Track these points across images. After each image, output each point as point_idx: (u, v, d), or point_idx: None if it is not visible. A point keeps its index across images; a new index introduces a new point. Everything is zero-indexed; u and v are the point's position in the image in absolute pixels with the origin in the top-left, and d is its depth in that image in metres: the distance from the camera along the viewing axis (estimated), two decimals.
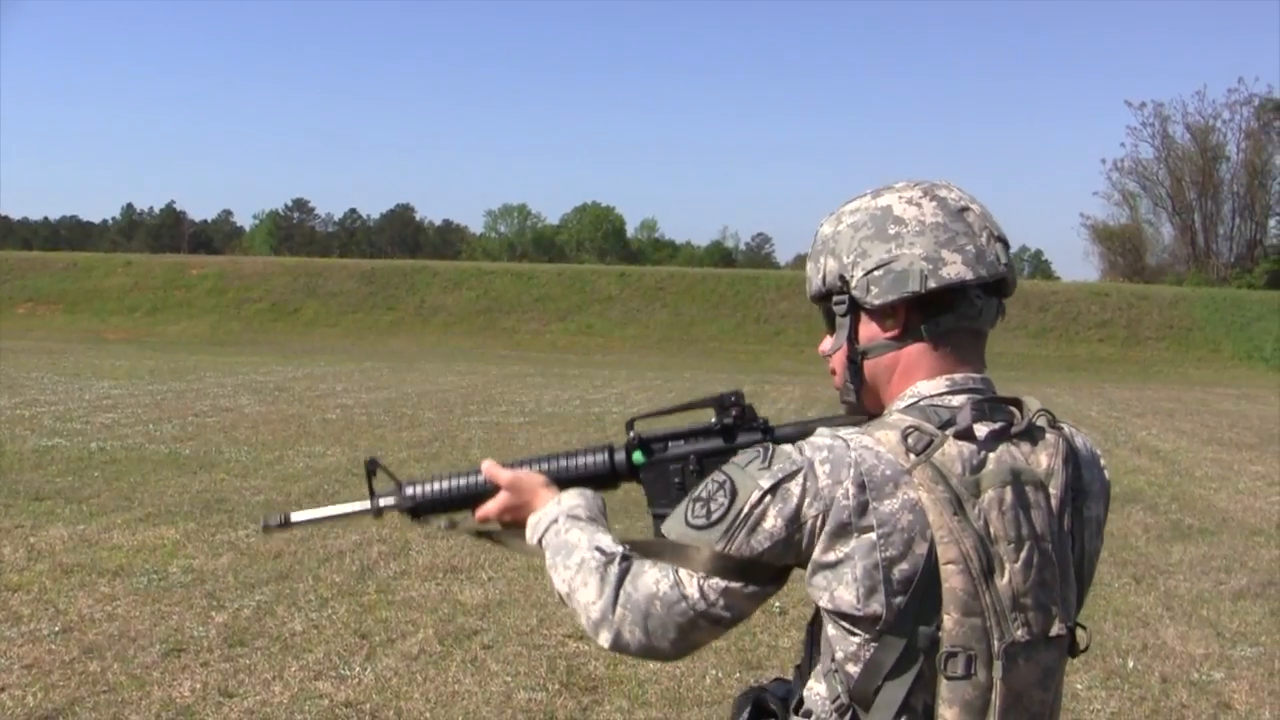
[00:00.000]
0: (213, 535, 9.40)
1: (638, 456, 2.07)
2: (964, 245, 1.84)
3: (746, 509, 1.77)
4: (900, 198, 1.89)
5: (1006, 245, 1.91)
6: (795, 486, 1.75)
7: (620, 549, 1.91)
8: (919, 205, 1.87)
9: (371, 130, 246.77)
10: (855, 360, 1.92)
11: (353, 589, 7.90)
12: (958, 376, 1.88)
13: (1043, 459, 1.83)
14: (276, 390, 22.78)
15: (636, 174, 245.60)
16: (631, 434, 2.09)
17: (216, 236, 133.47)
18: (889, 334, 1.89)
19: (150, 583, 7.85)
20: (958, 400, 1.84)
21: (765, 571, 1.79)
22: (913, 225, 1.85)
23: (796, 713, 1.88)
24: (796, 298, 45.78)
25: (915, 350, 1.89)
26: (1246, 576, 9.23)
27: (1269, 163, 71.35)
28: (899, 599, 1.72)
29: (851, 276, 1.88)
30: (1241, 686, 6.50)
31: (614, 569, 1.87)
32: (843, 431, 1.81)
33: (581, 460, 2.11)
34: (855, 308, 1.90)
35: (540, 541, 2.04)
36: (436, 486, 2.19)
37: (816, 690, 1.84)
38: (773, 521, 1.76)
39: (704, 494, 1.83)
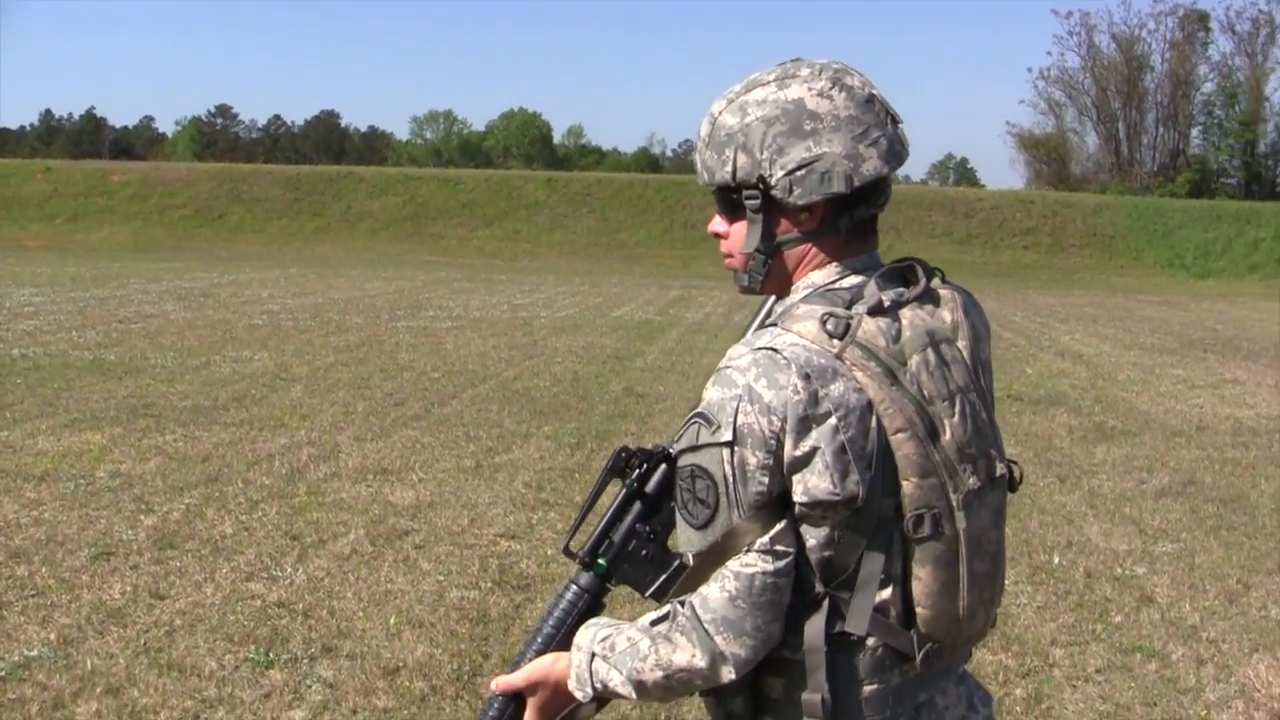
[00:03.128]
0: (139, 440, 9.31)
1: (599, 567, 2.03)
2: (878, 138, 1.87)
3: (728, 472, 1.80)
4: (810, 90, 1.88)
5: (901, 125, 1.95)
6: (748, 416, 1.78)
7: (667, 606, 1.89)
8: (830, 98, 1.87)
9: (295, 36, 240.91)
10: (768, 253, 1.94)
11: (283, 491, 7.87)
12: (847, 261, 1.92)
13: (946, 315, 1.91)
14: (201, 296, 22.58)
15: (563, 81, 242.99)
16: (579, 557, 2.04)
17: (138, 143, 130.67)
18: (804, 228, 1.91)
19: (77, 488, 7.77)
20: (847, 283, 1.90)
21: (779, 501, 1.81)
22: (828, 120, 1.86)
23: None
24: None
25: (826, 241, 1.92)
26: (1167, 476, 9.39)
27: (1193, 73, 71.89)
28: (868, 474, 1.78)
29: (770, 175, 1.87)
30: (1162, 580, 6.63)
31: (681, 619, 1.84)
32: (760, 340, 1.83)
33: (560, 611, 2.05)
34: (769, 202, 1.90)
35: (600, 685, 1.91)
36: None
37: None
38: (754, 458, 1.79)
39: (686, 496, 1.85)
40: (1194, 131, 73.47)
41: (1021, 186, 73.12)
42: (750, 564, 1.80)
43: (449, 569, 6.41)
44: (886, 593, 1.84)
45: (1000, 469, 1.91)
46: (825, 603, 1.83)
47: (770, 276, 1.96)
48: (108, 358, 13.63)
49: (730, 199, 1.95)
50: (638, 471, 2.00)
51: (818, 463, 1.77)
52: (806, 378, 1.76)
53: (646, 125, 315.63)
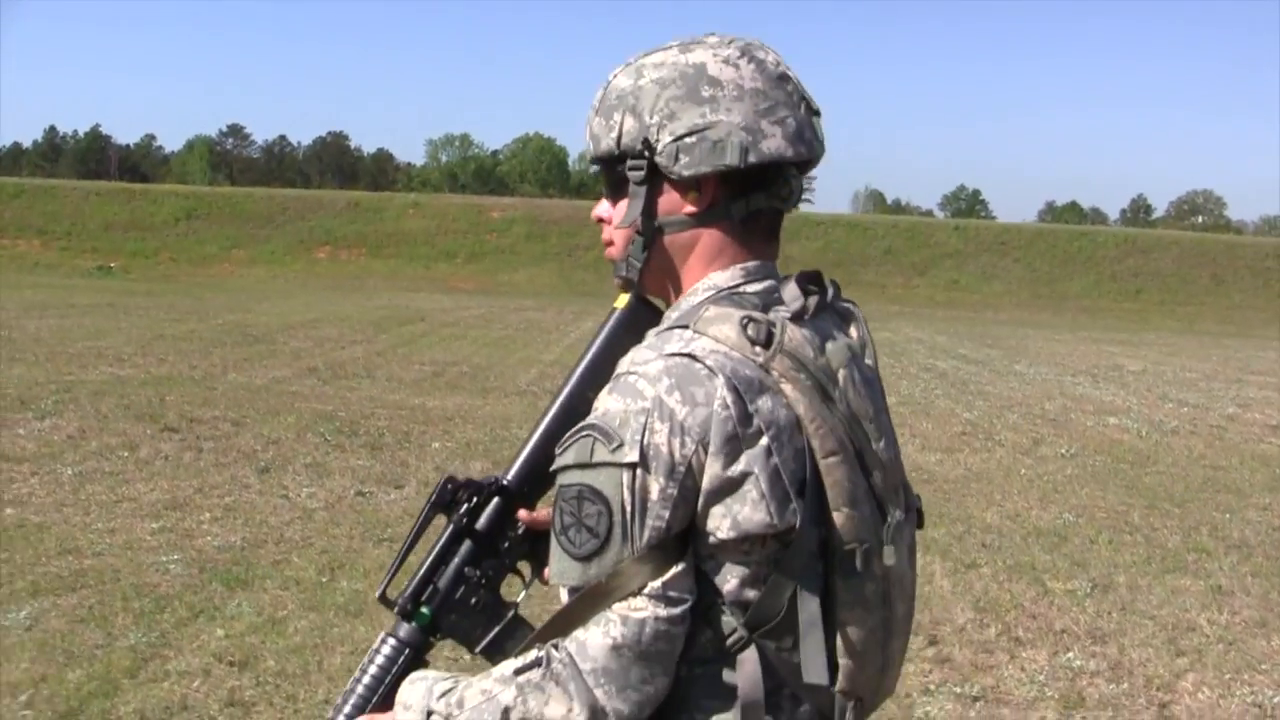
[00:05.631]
0: None
1: (421, 617, 1.78)
2: (784, 118, 1.66)
3: (625, 498, 1.54)
4: (715, 56, 1.67)
5: (819, 117, 1.74)
6: (656, 435, 1.53)
7: (532, 651, 1.60)
8: (737, 66, 1.66)
9: (302, 54, 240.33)
10: (647, 234, 1.71)
11: None
12: (751, 265, 1.71)
13: (853, 330, 1.75)
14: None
15: (575, 105, 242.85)
16: (398, 605, 1.79)
17: (143, 162, 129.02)
18: (691, 208, 1.69)
19: None
20: (754, 287, 1.69)
21: (679, 538, 1.57)
22: (730, 89, 1.65)
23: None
24: None
25: (717, 232, 1.70)
26: None
27: None
28: (801, 502, 1.56)
29: (657, 140, 1.66)
30: None
31: (556, 665, 1.56)
32: (670, 345, 1.60)
33: (376, 669, 1.79)
34: (655, 175, 1.68)
35: None
36: None
37: (699, 639, 1.60)
38: (657, 486, 1.54)
39: (568, 520, 1.58)
40: None
41: None
42: (640, 608, 1.54)
43: None
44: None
45: (913, 499, 1.77)
46: (752, 650, 1.59)
47: (650, 268, 1.73)
48: None
49: (616, 174, 1.72)
50: (467, 505, 1.77)
51: (750, 490, 1.53)
52: (735, 390, 1.53)
53: None
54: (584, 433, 1.57)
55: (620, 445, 1.53)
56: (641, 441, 1.53)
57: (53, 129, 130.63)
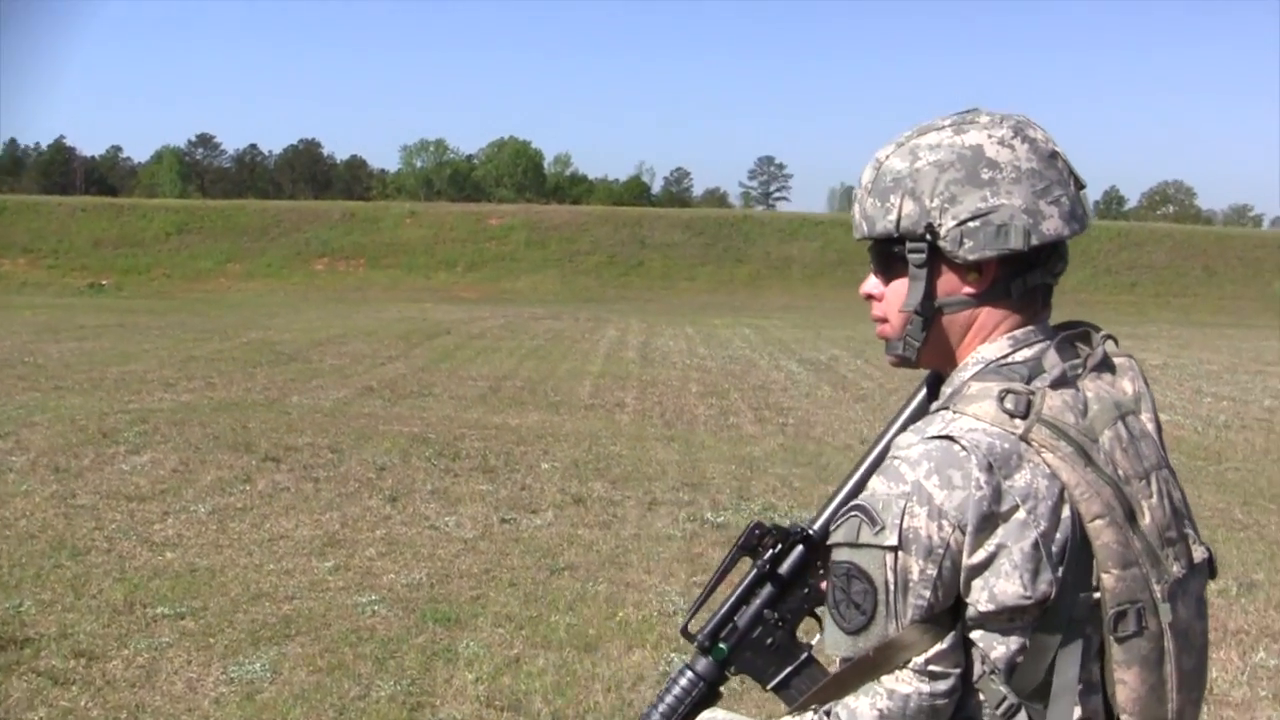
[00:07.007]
0: None
1: (718, 652, 1.87)
2: (1059, 197, 1.68)
3: (889, 579, 1.60)
4: (990, 137, 1.69)
5: (1084, 190, 1.77)
6: (915, 519, 1.59)
7: (809, 713, 1.70)
8: (1012, 147, 1.68)
9: (270, 62, 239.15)
10: (927, 315, 1.73)
11: None
12: (1019, 334, 1.73)
13: (1127, 385, 1.75)
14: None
15: (550, 109, 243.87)
16: (698, 640, 1.89)
17: (110, 174, 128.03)
18: (971, 289, 1.72)
19: None
20: (1022, 355, 1.71)
21: (948, 614, 1.62)
22: (1008, 171, 1.67)
23: None
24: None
25: (995, 309, 1.73)
26: None
27: None
28: (1060, 570, 1.59)
29: (940, 224, 1.68)
30: None
31: None
32: (932, 428, 1.64)
33: (672, 698, 1.89)
34: (935, 257, 1.71)
35: None
36: None
37: (970, 703, 1.65)
38: (918, 568, 1.59)
39: (839, 596, 1.65)
40: None
41: None
42: (906, 682, 1.61)
43: None
44: (1090, 701, 1.65)
45: (1200, 553, 1.72)
46: (1021, 715, 1.62)
47: (928, 345, 1.76)
48: None
49: (890, 253, 1.76)
50: (771, 551, 1.84)
51: (1004, 563, 1.57)
52: (989, 469, 1.57)
53: (634, 154, 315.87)
54: (852, 513, 1.64)
55: (882, 529, 1.60)
56: (900, 525, 1.59)
57: (13, 142, 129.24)
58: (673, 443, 12.08)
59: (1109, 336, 1.77)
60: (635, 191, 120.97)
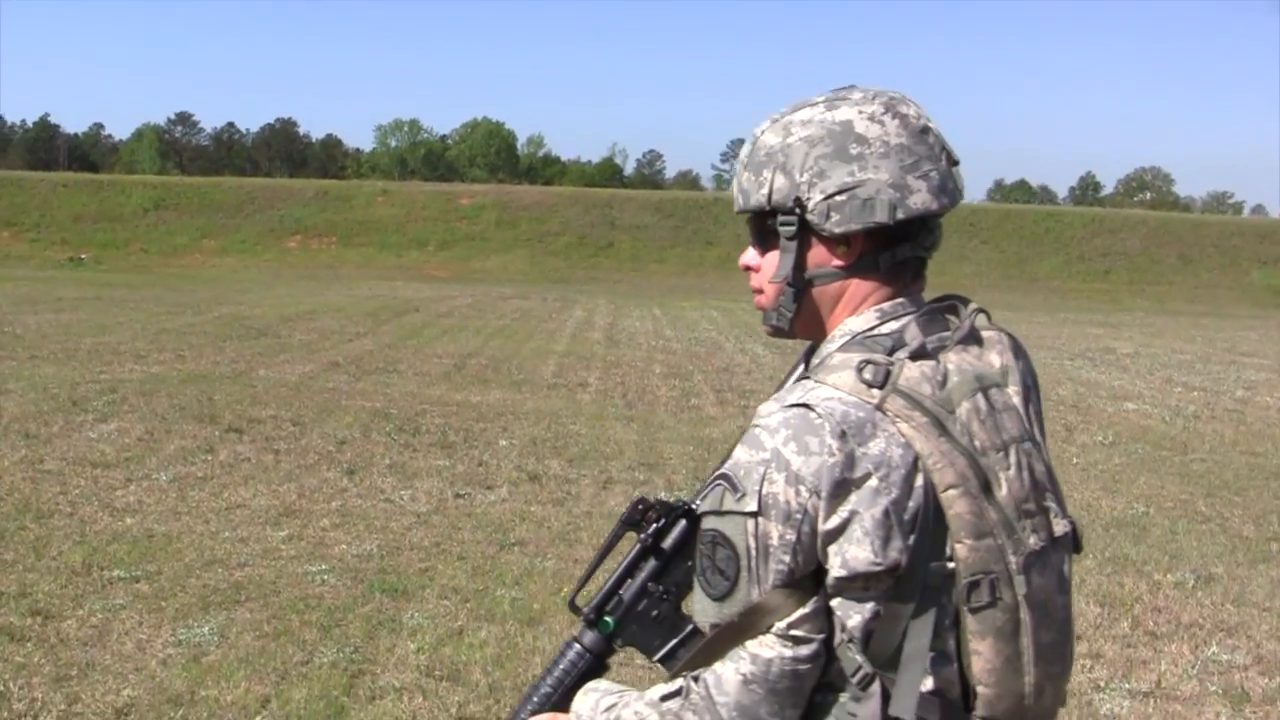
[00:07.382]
0: None
1: (605, 626, 1.89)
2: (928, 171, 1.72)
3: (750, 544, 1.64)
4: (860, 113, 1.73)
5: (958, 166, 1.80)
6: (773, 485, 1.62)
7: (679, 680, 1.73)
8: (882, 123, 1.72)
9: (251, 40, 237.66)
10: (798, 286, 1.79)
11: None
12: (887, 306, 1.77)
13: (994, 359, 1.76)
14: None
15: (524, 89, 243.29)
16: (584, 613, 1.91)
17: (92, 151, 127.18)
18: (840, 262, 1.76)
19: None
20: (888, 328, 1.75)
21: (810, 579, 1.65)
22: (876, 146, 1.71)
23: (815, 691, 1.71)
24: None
25: (864, 281, 1.77)
26: None
27: None
28: (912, 538, 1.61)
29: (808, 198, 1.72)
30: None
31: (695, 697, 1.69)
32: (792, 396, 1.68)
33: (560, 671, 1.92)
34: (805, 230, 1.76)
35: None
36: None
37: (830, 671, 1.69)
38: (776, 533, 1.62)
39: (705, 564, 1.70)
40: None
41: None
42: (769, 646, 1.64)
43: None
44: (943, 671, 1.67)
45: (1061, 527, 1.73)
46: (876, 685, 1.65)
47: (800, 316, 1.81)
48: None
49: (764, 226, 1.81)
50: (655, 526, 1.86)
51: (856, 530, 1.60)
52: (842, 435, 1.60)
53: (606, 135, 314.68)
54: (717, 482, 1.68)
55: (743, 495, 1.63)
56: (760, 491, 1.62)
57: (0, 118, 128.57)
58: (632, 423, 12.21)
59: (980, 310, 1.79)
60: (607, 173, 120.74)
